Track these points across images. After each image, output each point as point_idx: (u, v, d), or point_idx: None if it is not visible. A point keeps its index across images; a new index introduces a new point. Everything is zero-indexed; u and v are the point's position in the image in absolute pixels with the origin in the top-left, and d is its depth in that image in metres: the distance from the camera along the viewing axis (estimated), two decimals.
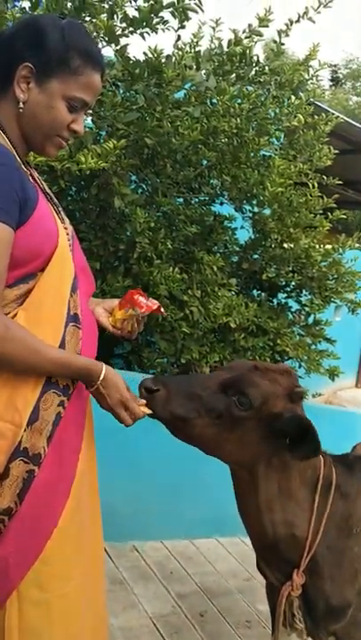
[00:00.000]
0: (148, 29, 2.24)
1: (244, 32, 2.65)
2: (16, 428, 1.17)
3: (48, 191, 1.35)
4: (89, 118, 2.38)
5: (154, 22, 2.22)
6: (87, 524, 1.33)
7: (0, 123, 1.21)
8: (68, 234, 1.30)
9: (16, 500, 1.17)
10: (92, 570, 1.36)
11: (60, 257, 1.23)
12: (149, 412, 1.35)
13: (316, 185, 3.06)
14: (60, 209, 1.35)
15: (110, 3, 2.21)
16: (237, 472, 1.50)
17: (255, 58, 2.67)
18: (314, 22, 2.68)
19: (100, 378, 1.24)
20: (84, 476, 1.29)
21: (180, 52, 2.33)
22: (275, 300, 3.34)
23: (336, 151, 3.14)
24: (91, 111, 2.27)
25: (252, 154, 2.80)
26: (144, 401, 1.35)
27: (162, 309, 1.44)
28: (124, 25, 2.23)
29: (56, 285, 1.24)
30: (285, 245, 3.03)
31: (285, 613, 1.57)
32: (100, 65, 1.25)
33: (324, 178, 3.20)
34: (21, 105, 1.20)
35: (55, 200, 1.36)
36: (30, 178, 1.25)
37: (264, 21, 2.62)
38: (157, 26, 2.25)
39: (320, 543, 1.50)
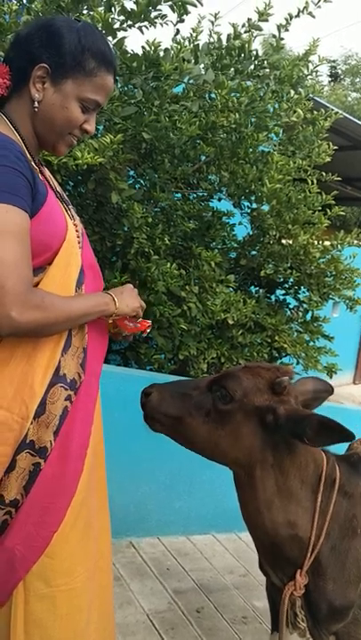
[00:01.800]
0: (146, 23, 2.22)
1: (243, 26, 2.63)
2: (23, 421, 1.19)
3: (58, 189, 1.39)
4: None
5: (152, 16, 2.20)
6: (95, 520, 1.34)
7: (14, 121, 1.24)
8: (77, 230, 1.33)
9: (22, 492, 1.19)
10: (99, 565, 1.37)
11: (67, 251, 1.26)
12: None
13: (314, 181, 3.06)
14: (71, 207, 1.39)
15: None
16: (237, 473, 1.49)
17: (254, 52, 2.65)
18: (314, 17, 2.66)
19: (117, 302, 1.31)
20: (92, 470, 1.31)
21: (179, 46, 2.31)
22: (273, 297, 3.33)
23: (335, 147, 3.13)
24: None
25: (250, 149, 2.79)
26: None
27: (147, 330, 1.49)
28: (121, 18, 2.21)
29: (62, 278, 1.26)
30: (284, 242, 3.02)
31: (288, 613, 1.57)
32: (113, 66, 1.28)
33: (323, 174, 3.19)
34: (36, 104, 1.23)
35: (65, 198, 1.39)
36: (40, 175, 1.28)
37: (263, 15, 2.60)
38: (156, 20, 2.23)
39: (323, 543, 1.49)
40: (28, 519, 1.20)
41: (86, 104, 1.25)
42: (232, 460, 1.47)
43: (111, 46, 2.20)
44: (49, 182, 1.33)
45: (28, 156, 1.24)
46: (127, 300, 1.35)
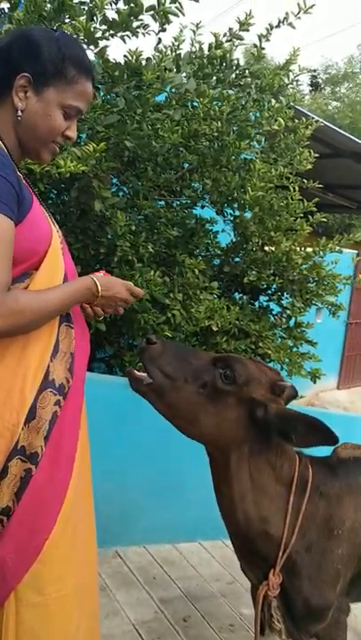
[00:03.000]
0: (128, 32, 2.23)
1: (224, 36, 2.66)
2: (13, 427, 1.19)
3: (38, 198, 1.40)
4: None
5: (134, 25, 2.22)
6: (82, 524, 1.34)
7: None
8: (59, 237, 1.35)
9: (14, 498, 1.19)
10: (87, 569, 1.37)
11: (52, 256, 1.28)
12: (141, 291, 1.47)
13: (296, 188, 3.08)
14: (50, 215, 1.40)
15: (90, 5, 2.19)
16: (213, 455, 1.51)
17: (236, 61, 2.68)
18: (294, 28, 2.70)
19: (99, 286, 1.32)
20: (79, 474, 1.32)
21: (161, 55, 2.32)
22: (256, 303, 3.34)
23: (316, 155, 3.16)
24: None
25: (232, 157, 2.81)
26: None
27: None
28: (103, 27, 2.22)
29: (50, 283, 1.27)
30: (266, 248, 3.04)
31: (264, 613, 1.57)
32: (91, 73, 1.32)
33: (305, 181, 3.23)
34: (20, 113, 1.25)
35: (45, 206, 1.41)
36: (24, 182, 1.30)
37: (244, 25, 2.63)
38: (138, 29, 2.24)
39: (297, 543, 1.51)
40: (19, 527, 1.19)
41: (68, 111, 1.28)
42: (209, 439, 1.48)
43: (92, 55, 2.23)
44: (32, 190, 1.35)
45: (13, 164, 1.25)
46: (111, 286, 1.36)
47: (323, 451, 1.58)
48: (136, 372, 1.46)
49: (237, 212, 3.07)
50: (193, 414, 1.44)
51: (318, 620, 1.60)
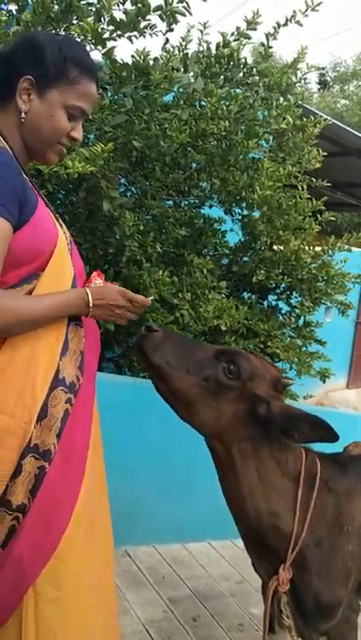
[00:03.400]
0: (135, 33, 2.23)
1: (232, 35, 2.65)
2: (26, 425, 1.21)
3: (45, 199, 1.41)
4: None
5: (141, 26, 2.22)
6: (98, 520, 1.36)
7: (2, 132, 1.27)
8: (66, 238, 1.36)
9: (29, 496, 1.21)
10: (103, 566, 1.38)
11: (58, 257, 1.28)
12: (149, 299, 1.41)
13: (305, 187, 3.07)
14: (57, 216, 1.41)
15: (98, 6, 2.20)
16: (214, 448, 1.51)
17: (243, 60, 2.68)
18: (301, 25, 2.68)
19: (90, 296, 1.29)
20: (92, 471, 1.33)
21: (168, 55, 2.32)
22: (265, 303, 3.34)
23: (325, 153, 3.15)
24: None
25: (241, 156, 2.80)
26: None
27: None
28: (111, 28, 2.22)
29: (57, 284, 1.28)
30: (275, 248, 3.03)
31: (273, 609, 1.58)
32: (95, 74, 1.33)
33: (313, 180, 3.21)
34: (23, 115, 1.27)
35: (52, 208, 1.42)
36: (30, 184, 1.32)
37: (252, 24, 2.63)
38: (145, 29, 2.24)
39: (307, 538, 1.51)
40: (35, 523, 1.21)
41: (72, 111, 1.29)
42: (208, 431, 1.48)
43: (100, 55, 2.23)
44: (37, 192, 1.36)
45: (19, 166, 1.26)
46: (104, 294, 1.32)
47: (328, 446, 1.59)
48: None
49: (246, 212, 3.06)
50: (193, 405, 1.43)
51: (328, 617, 1.60)
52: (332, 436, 1.38)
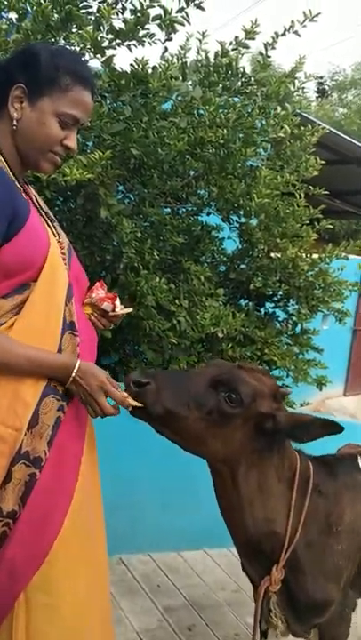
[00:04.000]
0: (134, 41, 2.25)
1: (230, 44, 2.67)
2: (17, 433, 1.21)
3: (43, 207, 1.42)
4: (78, 132, 2.39)
5: (140, 34, 2.23)
6: (92, 528, 1.35)
7: None
8: (62, 247, 1.36)
9: (19, 502, 1.21)
10: (98, 574, 1.38)
11: (50, 267, 1.28)
12: (136, 403, 1.35)
13: (302, 195, 3.08)
14: (56, 224, 1.42)
15: (97, 15, 2.21)
16: (218, 469, 1.51)
17: (241, 69, 2.69)
18: (299, 36, 2.70)
19: (75, 369, 1.27)
20: (86, 479, 1.33)
21: (167, 64, 2.34)
22: (262, 310, 3.34)
23: (323, 162, 3.16)
24: None
25: (238, 164, 2.81)
26: (127, 395, 1.35)
27: (116, 302, 1.49)
28: (110, 37, 2.24)
29: (49, 294, 1.28)
30: (272, 255, 3.04)
31: (263, 609, 1.61)
32: (89, 83, 1.32)
33: (311, 188, 3.22)
34: (15, 123, 1.27)
35: (51, 215, 1.43)
36: (24, 194, 1.31)
37: (250, 34, 2.64)
38: (144, 38, 2.26)
39: (300, 539, 1.54)
40: (26, 529, 1.21)
41: (64, 119, 1.29)
42: (219, 458, 1.48)
43: (99, 64, 2.25)
44: (33, 200, 1.36)
45: (11, 175, 1.27)
46: (88, 376, 1.28)
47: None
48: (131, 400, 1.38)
49: (243, 219, 3.07)
50: (201, 440, 1.43)
51: (320, 615, 1.64)
52: (340, 429, 1.44)
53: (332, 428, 1.44)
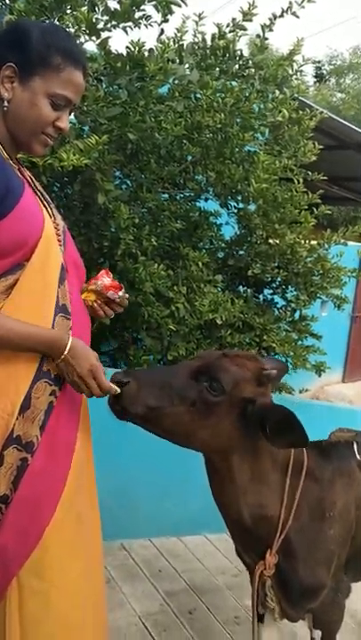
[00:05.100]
0: (130, 23, 2.21)
1: (227, 26, 2.63)
2: (8, 417, 1.21)
3: (39, 188, 1.40)
4: (72, 113, 2.36)
5: (136, 16, 2.19)
6: (87, 515, 1.35)
7: None
8: (57, 228, 1.34)
9: (11, 487, 1.21)
10: (92, 561, 1.37)
11: (44, 246, 1.26)
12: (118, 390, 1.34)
13: (301, 180, 3.06)
14: (52, 206, 1.40)
15: None
16: (212, 458, 1.51)
17: (239, 52, 2.65)
18: (298, 17, 2.66)
19: (68, 347, 1.25)
20: (81, 465, 1.32)
21: (163, 46, 2.30)
22: (261, 296, 3.33)
23: (321, 147, 3.14)
24: None
25: (236, 149, 2.79)
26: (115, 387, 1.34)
27: (119, 292, 1.48)
28: (105, 18, 2.20)
29: (42, 274, 1.26)
30: (271, 241, 3.02)
31: (258, 593, 1.62)
32: (81, 63, 1.29)
33: (309, 173, 3.20)
34: (6, 104, 1.25)
35: (47, 197, 1.40)
36: (18, 172, 1.30)
37: (248, 16, 2.60)
38: (140, 20, 2.22)
39: (293, 524, 1.54)
40: (18, 514, 1.21)
41: (56, 100, 1.26)
42: (211, 449, 1.48)
43: (94, 46, 2.21)
44: (28, 180, 1.34)
45: (4, 154, 1.25)
46: (78, 356, 1.27)
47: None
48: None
49: (241, 205, 3.05)
50: (190, 433, 1.42)
51: (312, 599, 1.65)
52: (303, 439, 1.34)
53: (292, 429, 1.33)
